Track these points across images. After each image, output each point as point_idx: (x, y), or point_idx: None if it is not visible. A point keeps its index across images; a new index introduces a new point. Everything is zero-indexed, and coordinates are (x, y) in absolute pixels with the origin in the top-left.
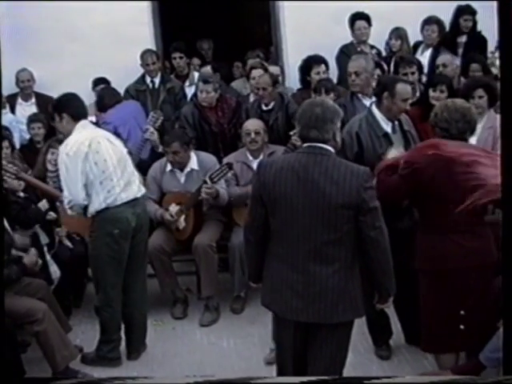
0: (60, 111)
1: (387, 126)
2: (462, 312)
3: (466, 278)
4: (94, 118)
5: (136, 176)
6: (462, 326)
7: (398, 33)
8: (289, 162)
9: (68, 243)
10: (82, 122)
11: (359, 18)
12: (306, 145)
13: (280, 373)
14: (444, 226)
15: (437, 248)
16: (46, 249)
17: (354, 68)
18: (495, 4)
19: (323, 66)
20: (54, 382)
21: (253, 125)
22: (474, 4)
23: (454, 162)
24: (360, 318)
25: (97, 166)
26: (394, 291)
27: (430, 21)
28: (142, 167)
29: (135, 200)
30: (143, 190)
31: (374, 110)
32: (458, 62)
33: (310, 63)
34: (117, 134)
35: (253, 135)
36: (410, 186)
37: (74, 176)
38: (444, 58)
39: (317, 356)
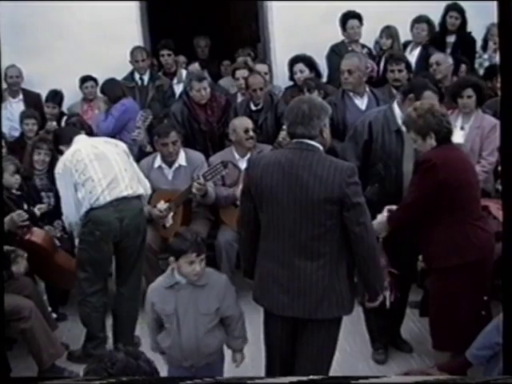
0: (56, 146)
1: (402, 124)
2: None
3: (489, 265)
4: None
5: (128, 175)
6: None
7: (389, 31)
8: (276, 157)
9: (56, 242)
10: (76, 138)
11: (352, 17)
12: (294, 140)
13: (267, 368)
14: (470, 214)
15: (471, 237)
16: None
17: (348, 66)
18: (484, 4)
19: (300, 65)
20: (41, 382)
21: (249, 122)
22: (465, 4)
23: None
24: (349, 316)
25: (77, 172)
26: (382, 289)
27: (419, 20)
28: None
29: (122, 199)
30: (137, 190)
31: (395, 105)
32: (450, 60)
33: (291, 63)
34: (126, 123)
35: (251, 132)
36: (430, 183)
37: (64, 194)
38: (437, 56)
39: (304, 352)
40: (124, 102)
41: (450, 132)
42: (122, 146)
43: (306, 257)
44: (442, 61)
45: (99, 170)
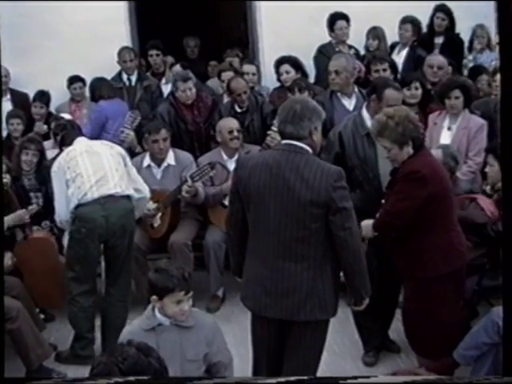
0: (61, 147)
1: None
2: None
3: (464, 272)
4: (69, 115)
5: (118, 174)
6: None
7: (375, 32)
8: (264, 158)
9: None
10: (76, 140)
11: (339, 18)
12: (283, 142)
13: (254, 368)
14: (451, 221)
15: (455, 244)
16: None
17: (335, 67)
18: (472, 5)
19: (286, 66)
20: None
21: (233, 122)
22: (453, 5)
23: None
24: (338, 317)
25: (69, 170)
26: (368, 294)
27: (404, 20)
28: None
29: (109, 197)
30: (126, 189)
31: (364, 110)
32: (447, 64)
33: (277, 64)
34: (103, 126)
35: (235, 133)
36: (421, 193)
37: (57, 192)
38: (439, 60)
39: (291, 353)
40: (100, 104)
41: (424, 138)
42: (118, 149)
43: (291, 258)
44: (444, 65)
45: (89, 167)
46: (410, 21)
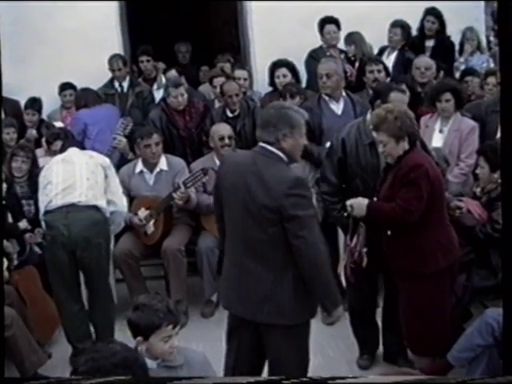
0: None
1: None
2: None
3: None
4: (60, 123)
5: (88, 183)
6: None
7: (351, 38)
8: (239, 157)
9: (37, 249)
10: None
11: (329, 22)
12: (258, 144)
13: (226, 368)
14: (446, 216)
15: (451, 237)
16: (15, 256)
17: (326, 70)
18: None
19: (283, 70)
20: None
21: (226, 129)
22: (443, 7)
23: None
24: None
25: (44, 177)
26: (334, 306)
27: (394, 24)
28: None
29: (73, 206)
30: (93, 200)
31: (368, 117)
32: (434, 65)
33: (273, 67)
34: (84, 132)
35: (226, 140)
36: (427, 188)
37: (39, 199)
38: (426, 61)
39: (268, 354)
40: (78, 112)
41: (419, 136)
42: (101, 159)
43: (253, 258)
44: (430, 66)
45: (61, 175)
46: (399, 25)
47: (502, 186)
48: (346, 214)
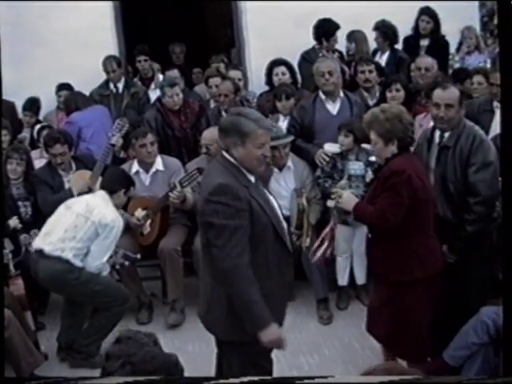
0: None
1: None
2: None
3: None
4: (55, 123)
5: (64, 235)
6: None
7: (353, 36)
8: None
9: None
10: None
11: (336, 28)
12: None
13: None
14: (430, 227)
15: (433, 250)
16: (10, 256)
17: (327, 68)
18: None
19: (282, 68)
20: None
21: (205, 138)
22: (437, 7)
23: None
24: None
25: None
26: (255, 328)
27: (376, 28)
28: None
29: (40, 253)
30: (60, 251)
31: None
32: (436, 66)
33: (271, 66)
34: (79, 136)
35: (204, 149)
36: (408, 195)
37: None
38: (427, 61)
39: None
40: (71, 117)
41: (412, 142)
42: (98, 216)
43: (203, 265)
44: (431, 66)
45: (52, 219)
46: (377, 27)
47: (503, 185)
48: (331, 203)
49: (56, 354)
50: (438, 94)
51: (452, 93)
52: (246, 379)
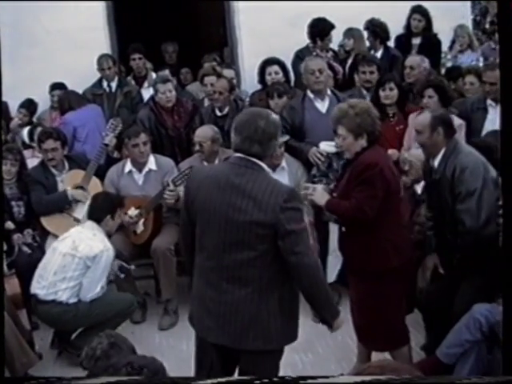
0: None
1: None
2: None
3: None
4: (48, 123)
5: (56, 278)
6: None
7: (351, 32)
8: (216, 170)
9: (27, 249)
10: None
11: (331, 28)
12: (234, 155)
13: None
14: (401, 217)
15: (405, 238)
16: (4, 255)
17: (318, 66)
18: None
19: (275, 67)
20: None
21: (198, 135)
22: (430, 5)
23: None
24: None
25: None
26: (334, 317)
27: (366, 27)
28: (99, 172)
29: (36, 296)
30: (53, 295)
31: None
32: (426, 63)
33: (264, 65)
34: (74, 136)
35: (197, 146)
36: (382, 187)
37: None
38: (412, 59)
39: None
40: (65, 117)
41: (380, 135)
42: (85, 251)
43: (234, 281)
44: (416, 64)
45: (43, 262)
46: (367, 27)
47: (502, 185)
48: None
49: (49, 345)
50: (411, 117)
51: (423, 118)
52: (233, 379)
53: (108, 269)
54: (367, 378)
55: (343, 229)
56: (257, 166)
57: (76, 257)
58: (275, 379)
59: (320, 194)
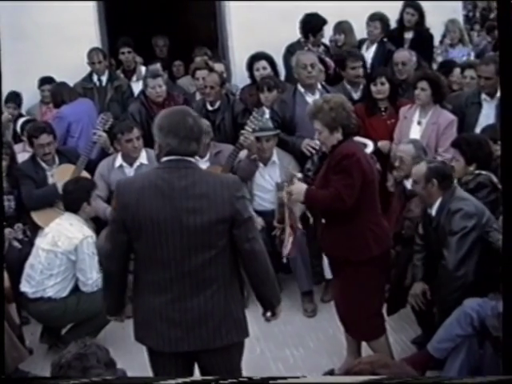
0: None
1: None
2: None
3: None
4: (38, 117)
5: (42, 276)
6: None
7: (341, 27)
8: (150, 179)
9: (17, 244)
10: None
11: (324, 23)
12: (165, 159)
13: None
14: (378, 206)
15: (384, 227)
16: None
17: (310, 60)
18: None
19: (263, 62)
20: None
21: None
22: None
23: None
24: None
25: None
26: (278, 302)
27: (373, 17)
28: (91, 167)
29: (25, 295)
30: (42, 293)
31: None
32: (414, 58)
33: (252, 60)
34: (68, 131)
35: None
36: (359, 176)
37: None
38: (403, 55)
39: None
40: (61, 110)
41: (355, 128)
42: (65, 244)
43: (198, 284)
44: (408, 60)
45: (29, 262)
46: (378, 18)
47: (502, 183)
48: (284, 197)
49: (39, 340)
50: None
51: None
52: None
53: (95, 252)
54: (347, 380)
55: (323, 220)
56: (194, 165)
57: (58, 253)
58: (242, 379)
59: (297, 190)
